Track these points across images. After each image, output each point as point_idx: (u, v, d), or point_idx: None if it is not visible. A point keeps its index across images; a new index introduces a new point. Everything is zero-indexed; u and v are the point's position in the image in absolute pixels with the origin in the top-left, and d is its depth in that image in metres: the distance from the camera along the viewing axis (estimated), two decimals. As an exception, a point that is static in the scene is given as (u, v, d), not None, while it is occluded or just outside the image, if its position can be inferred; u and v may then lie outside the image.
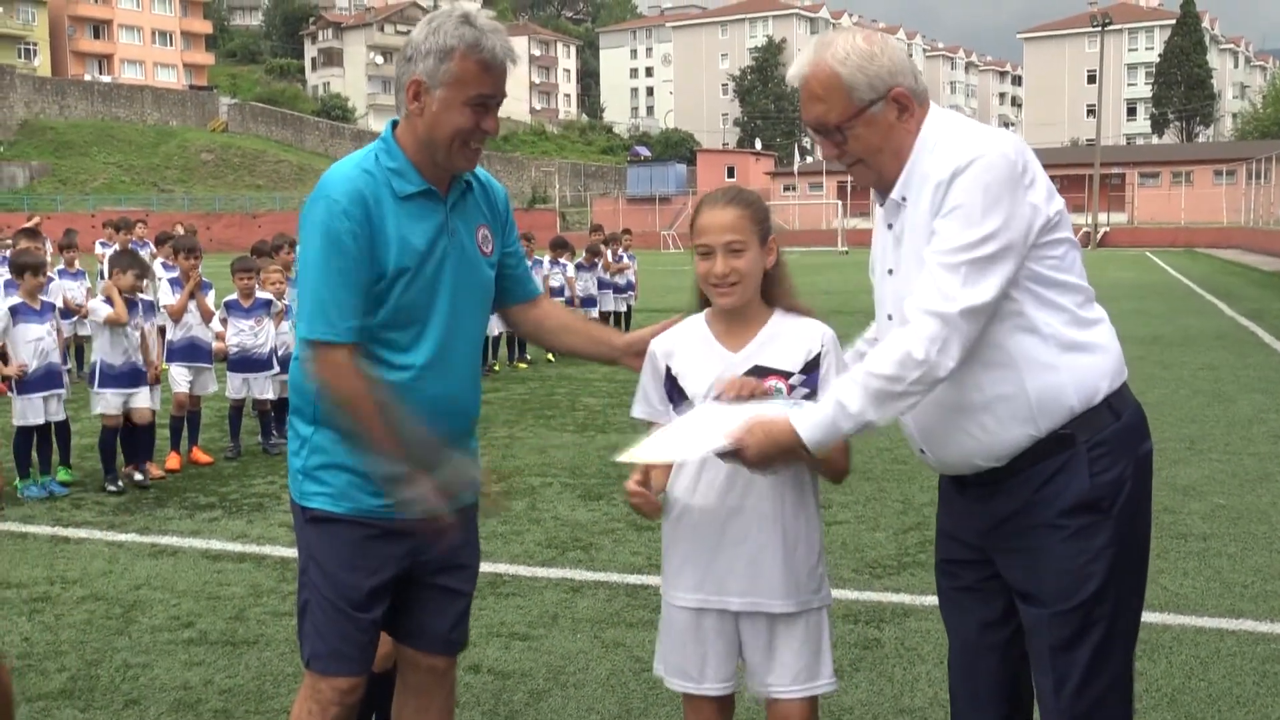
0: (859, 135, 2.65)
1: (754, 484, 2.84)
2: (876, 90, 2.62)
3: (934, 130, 2.67)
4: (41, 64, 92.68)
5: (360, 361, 2.85)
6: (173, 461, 8.72)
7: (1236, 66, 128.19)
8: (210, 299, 9.26)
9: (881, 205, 2.78)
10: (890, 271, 2.75)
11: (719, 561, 2.88)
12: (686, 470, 2.92)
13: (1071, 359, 2.63)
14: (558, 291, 15.40)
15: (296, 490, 3.01)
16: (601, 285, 16.69)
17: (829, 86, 2.63)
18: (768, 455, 2.64)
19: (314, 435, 2.98)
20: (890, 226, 2.75)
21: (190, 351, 9.03)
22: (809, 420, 2.59)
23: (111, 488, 7.94)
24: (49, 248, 13.75)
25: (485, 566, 6.02)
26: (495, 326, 14.18)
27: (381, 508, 2.93)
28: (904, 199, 2.69)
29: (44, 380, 7.96)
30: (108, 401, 8.08)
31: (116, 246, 13.71)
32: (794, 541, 2.88)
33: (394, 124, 2.96)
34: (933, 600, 5.24)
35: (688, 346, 2.94)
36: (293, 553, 6.24)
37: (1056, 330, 2.62)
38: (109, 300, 8.12)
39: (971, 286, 2.51)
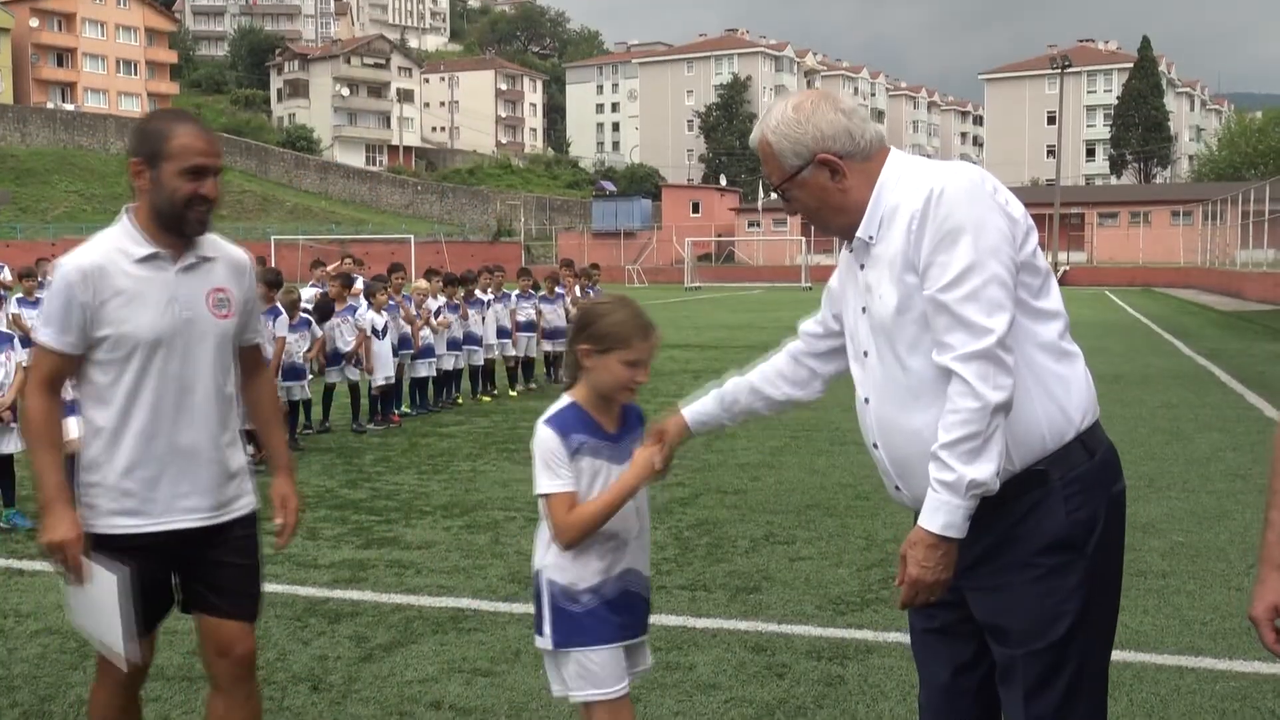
0: (795, 196, 2.84)
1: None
2: (801, 157, 2.75)
3: (894, 170, 2.74)
4: (4, 91, 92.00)
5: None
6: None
7: (1193, 109, 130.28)
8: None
9: (850, 249, 2.84)
10: (864, 309, 2.79)
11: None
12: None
13: (1045, 392, 2.64)
14: (526, 326, 15.33)
15: None
16: (569, 319, 16.70)
17: (765, 154, 2.83)
18: (936, 565, 2.60)
19: None
20: (862, 267, 2.79)
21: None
22: (927, 512, 2.57)
23: None
24: (7, 276, 13.57)
25: (448, 601, 6.01)
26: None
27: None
28: (871, 238, 2.74)
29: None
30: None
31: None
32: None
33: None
34: (896, 637, 5.26)
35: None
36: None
37: (1033, 360, 2.63)
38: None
39: (994, 312, 2.54)
